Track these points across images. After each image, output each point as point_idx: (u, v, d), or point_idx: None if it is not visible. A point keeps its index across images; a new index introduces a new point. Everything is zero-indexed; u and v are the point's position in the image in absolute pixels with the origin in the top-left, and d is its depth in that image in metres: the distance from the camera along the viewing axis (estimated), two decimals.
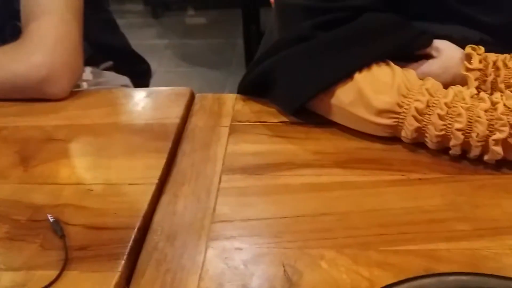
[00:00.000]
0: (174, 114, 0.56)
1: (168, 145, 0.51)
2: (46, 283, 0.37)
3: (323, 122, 0.54)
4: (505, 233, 0.41)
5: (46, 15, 0.61)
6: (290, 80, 0.53)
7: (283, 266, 0.38)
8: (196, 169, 0.49)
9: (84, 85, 0.81)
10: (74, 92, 0.62)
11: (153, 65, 1.02)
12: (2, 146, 0.53)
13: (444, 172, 0.47)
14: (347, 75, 0.50)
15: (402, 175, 0.47)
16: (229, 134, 0.54)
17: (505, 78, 0.52)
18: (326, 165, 0.49)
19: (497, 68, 0.52)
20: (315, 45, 0.52)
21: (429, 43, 0.54)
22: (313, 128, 0.54)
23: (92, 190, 0.46)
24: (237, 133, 0.55)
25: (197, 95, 0.62)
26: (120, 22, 0.97)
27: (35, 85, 0.59)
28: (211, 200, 0.45)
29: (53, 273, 0.38)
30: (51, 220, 0.42)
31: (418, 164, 0.48)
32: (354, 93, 0.49)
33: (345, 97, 0.50)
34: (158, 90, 0.63)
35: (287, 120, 0.56)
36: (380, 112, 0.48)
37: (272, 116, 0.57)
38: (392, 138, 0.51)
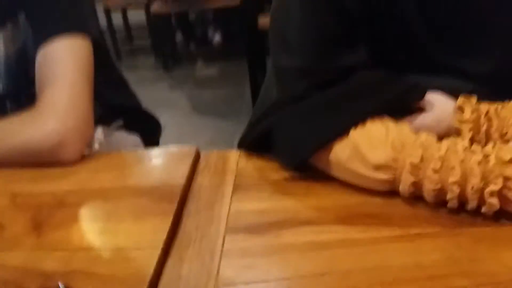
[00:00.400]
0: (180, 174, 0.59)
1: (173, 207, 0.53)
2: None
3: (323, 177, 0.55)
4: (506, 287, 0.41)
5: (59, 82, 0.65)
6: (289, 139, 0.56)
7: None
8: (200, 231, 0.51)
9: (96, 145, 0.84)
10: (85, 156, 0.65)
11: (165, 118, 1.06)
12: (16, 213, 0.56)
13: (443, 225, 0.48)
14: (343, 132, 0.52)
15: (402, 230, 0.48)
16: (233, 192, 0.56)
17: (497, 127, 0.53)
18: (326, 222, 0.50)
19: (489, 119, 0.54)
20: (311, 104, 0.55)
21: (422, 96, 0.56)
22: (314, 183, 0.56)
23: (100, 256, 0.48)
24: (241, 191, 0.56)
25: (203, 153, 0.65)
26: (132, 76, 1.03)
27: (48, 151, 0.62)
28: (215, 262, 0.46)
29: None
30: (61, 287, 0.43)
31: (417, 218, 0.49)
32: (350, 149, 0.51)
33: (342, 154, 0.52)
34: (165, 150, 0.66)
35: (288, 175, 0.57)
36: (377, 168, 0.50)
37: (274, 171, 0.59)
38: (391, 192, 0.52)
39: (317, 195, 0.54)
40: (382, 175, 0.50)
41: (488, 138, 0.54)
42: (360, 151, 0.51)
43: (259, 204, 0.54)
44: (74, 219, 0.54)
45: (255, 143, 0.61)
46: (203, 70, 2.62)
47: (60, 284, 0.44)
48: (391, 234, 0.48)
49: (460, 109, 0.54)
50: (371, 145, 0.51)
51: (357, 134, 0.51)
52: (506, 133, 0.53)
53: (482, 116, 0.54)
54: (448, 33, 0.58)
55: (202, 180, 0.60)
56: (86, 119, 0.66)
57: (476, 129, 0.54)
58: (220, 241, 0.49)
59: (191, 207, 0.55)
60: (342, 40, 0.57)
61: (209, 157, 0.64)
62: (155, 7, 2.72)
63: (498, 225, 0.47)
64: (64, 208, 0.56)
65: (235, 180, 0.59)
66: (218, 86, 2.37)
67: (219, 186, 0.58)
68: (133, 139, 0.92)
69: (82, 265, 0.47)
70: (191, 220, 0.53)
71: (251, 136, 0.61)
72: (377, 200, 0.52)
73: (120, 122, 0.94)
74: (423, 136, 0.50)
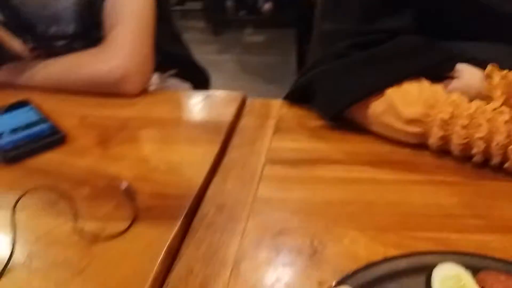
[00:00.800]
0: (227, 114, 0.65)
1: (221, 138, 0.60)
2: (120, 231, 0.46)
3: (357, 128, 0.60)
4: None
5: (125, 24, 0.73)
6: (328, 91, 0.61)
7: (311, 239, 0.45)
8: (243, 159, 0.58)
9: (152, 87, 0.92)
10: (144, 91, 0.73)
11: (212, 78, 1.13)
12: (86, 130, 0.65)
13: (466, 176, 0.52)
14: (379, 89, 0.56)
15: (426, 176, 0.53)
16: (274, 133, 0.62)
17: None
18: (356, 163, 0.55)
19: None
20: (351, 61, 0.59)
21: (454, 65, 0.58)
22: (348, 131, 0.61)
23: (157, 167, 0.55)
24: (281, 132, 0.62)
25: (248, 100, 0.71)
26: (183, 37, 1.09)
27: (113, 83, 0.70)
28: (254, 183, 0.53)
29: (125, 225, 0.47)
30: (125, 186, 0.52)
31: (442, 168, 0.54)
32: (385, 105, 0.56)
33: (377, 108, 0.57)
34: (215, 93, 0.73)
35: (325, 124, 0.63)
36: (409, 122, 0.54)
37: (312, 120, 0.64)
38: (420, 145, 0.56)
39: (350, 141, 0.59)
40: (414, 129, 0.55)
41: None
42: (395, 107, 0.55)
43: (296, 144, 0.60)
44: (135, 139, 0.62)
45: (297, 94, 0.66)
46: (251, 36, 2.67)
47: (124, 183, 0.52)
48: (416, 178, 0.52)
49: (489, 76, 0.57)
50: (405, 101, 0.55)
51: (393, 92, 0.56)
52: None
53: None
54: None
55: (247, 121, 0.66)
56: (147, 58, 0.74)
57: (508, 93, 0.56)
58: (259, 169, 0.56)
59: (236, 141, 0.62)
60: (389, 5, 0.61)
61: (254, 103, 0.70)
62: None
63: None
64: (127, 130, 0.64)
65: (276, 123, 0.64)
66: (265, 53, 2.41)
67: (261, 127, 0.64)
68: (185, 86, 0.99)
69: (141, 172, 0.55)
70: (235, 151, 0.59)
71: (295, 86, 0.66)
72: (406, 151, 0.57)
73: (174, 71, 1.02)
74: (455, 95, 0.54)
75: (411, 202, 0.49)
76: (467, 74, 0.58)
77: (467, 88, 0.57)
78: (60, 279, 0.43)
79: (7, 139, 0.61)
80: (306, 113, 0.66)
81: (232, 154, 0.59)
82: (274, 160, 0.57)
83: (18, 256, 0.44)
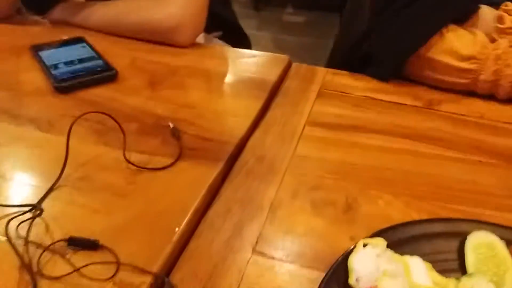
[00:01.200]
0: (273, 73, 0.67)
1: (265, 95, 0.62)
2: (164, 165, 0.48)
3: (400, 101, 0.61)
4: None
5: None
6: (391, 42, 0.64)
7: (346, 196, 0.47)
8: (284, 118, 0.59)
9: (200, 43, 0.94)
10: (194, 43, 0.74)
11: None
12: (136, 72, 0.67)
13: (505, 160, 0.52)
14: (438, 33, 0.61)
15: (465, 155, 0.53)
16: (317, 97, 0.63)
17: None
18: (396, 135, 0.56)
19: None
20: (409, 13, 0.62)
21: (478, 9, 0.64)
22: (392, 104, 0.61)
23: (203, 114, 0.57)
24: (324, 98, 0.63)
25: (294, 64, 0.72)
26: None
27: (166, 30, 0.72)
28: (294, 141, 0.55)
29: (170, 161, 0.49)
30: (171, 126, 0.54)
31: (481, 150, 0.54)
32: (444, 46, 0.61)
33: (437, 49, 0.61)
34: (262, 53, 0.74)
35: (369, 95, 0.63)
36: (465, 58, 0.59)
37: (357, 89, 0.65)
38: (461, 122, 0.57)
39: (393, 114, 0.60)
40: (469, 65, 0.60)
41: None
42: (453, 47, 0.60)
43: (338, 110, 0.61)
44: (182, 85, 0.64)
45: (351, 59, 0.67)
46: (292, 16, 2.65)
47: (170, 124, 0.54)
48: (454, 155, 0.53)
49: (500, 18, 0.62)
50: (462, 42, 0.61)
51: (451, 34, 0.61)
52: None
53: None
54: None
55: (291, 83, 0.67)
56: (201, 12, 0.75)
57: None
58: (300, 128, 0.57)
59: (279, 100, 0.63)
60: None
61: (299, 68, 0.71)
62: None
63: None
64: (175, 77, 0.66)
65: (319, 89, 0.65)
66: (303, 34, 2.39)
67: (305, 90, 0.65)
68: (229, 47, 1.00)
69: (187, 116, 0.57)
70: (278, 110, 0.61)
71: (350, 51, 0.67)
72: (448, 128, 0.57)
73: (219, 33, 1.03)
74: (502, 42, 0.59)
75: (447, 176, 0.50)
76: (483, 12, 0.64)
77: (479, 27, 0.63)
78: (105, 199, 0.45)
79: (61, 70, 0.63)
80: (349, 82, 0.66)
81: (274, 111, 0.60)
82: (314, 123, 0.58)
83: (68, 176, 0.47)
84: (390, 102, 0.62)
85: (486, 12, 0.64)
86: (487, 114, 0.60)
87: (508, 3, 0.63)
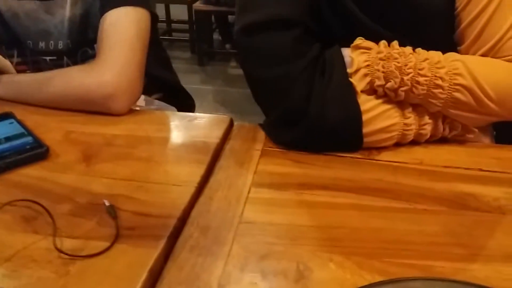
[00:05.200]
0: (215, 135, 0.65)
1: (207, 158, 0.60)
2: (100, 250, 0.44)
3: (341, 156, 0.61)
4: (498, 261, 0.45)
5: (119, 42, 0.73)
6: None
7: (297, 263, 0.45)
8: (229, 181, 0.57)
9: (138, 109, 0.92)
10: (132, 110, 0.72)
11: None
12: (69, 146, 0.63)
13: (449, 206, 0.53)
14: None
15: (409, 205, 0.53)
16: (260, 156, 0.62)
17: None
18: (341, 190, 0.56)
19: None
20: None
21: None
22: (332, 159, 0.61)
23: (142, 186, 0.54)
24: (267, 156, 0.63)
25: (236, 124, 0.71)
26: None
27: (101, 99, 0.70)
28: (240, 205, 0.53)
29: (106, 244, 0.45)
30: (107, 204, 0.50)
31: (425, 197, 0.54)
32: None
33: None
34: (203, 115, 0.73)
35: (310, 152, 0.63)
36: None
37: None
38: (401, 172, 0.58)
39: (334, 168, 0.60)
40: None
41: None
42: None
43: (282, 168, 0.60)
44: (120, 156, 0.61)
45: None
46: (235, 69, 2.71)
47: (106, 202, 0.51)
48: (399, 206, 0.53)
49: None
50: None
51: None
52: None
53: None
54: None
55: (234, 143, 0.66)
56: (137, 78, 0.74)
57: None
58: (246, 190, 0.55)
59: (223, 162, 0.61)
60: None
61: (241, 128, 0.71)
62: (198, 5, 2.83)
63: (500, 214, 0.52)
64: (112, 147, 0.63)
65: (262, 147, 0.65)
66: (247, 86, 2.45)
67: (248, 150, 0.64)
68: (171, 109, 0.99)
69: (125, 191, 0.54)
70: (222, 172, 0.59)
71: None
72: (389, 178, 0.58)
73: (160, 94, 1.02)
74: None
75: (394, 228, 0.50)
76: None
77: None
78: None
79: None
80: None
81: (218, 175, 0.58)
82: (260, 184, 0.57)
83: None
84: (331, 155, 0.62)
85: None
86: (425, 160, 0.61)
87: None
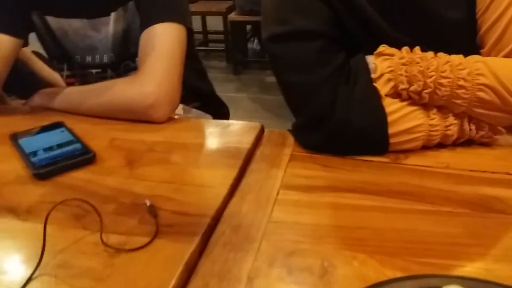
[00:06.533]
0: (247, 141, 0.69)
1: (240, 163, 0.64)
2: (141, 245, 0.49)
3: (369, 160, 0.63)
4: None
5: (158, 56, 0.79)
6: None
7: (322, 260, 0.47)
8: (260, 183, 0.61)
9: (176, 117, 0.98)
10: (171, 118, 0.78)
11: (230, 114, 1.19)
12: (114, 152, 0.69)
13: (473, 209, 0.54)
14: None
15: (434, 207, 0.55)
16: (289, 160, 0.66)
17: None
18: (366, 192, 0.58)
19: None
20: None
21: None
22: (361, 162, 0.64)
23: (180, 188, 0.59)
24: (296, 161, 0.66)
25: (266, 130, 0.75)
26: None
27: (143, 109, 0.75)
28: (269, 206, 0.56)
29: (147, 240, 0.50)
30: (148, 204, 0.55)
31: (449, 200, 0.56)
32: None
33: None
34: (236, 122, 0.77)
35: (336, 156, 0.66)
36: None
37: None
38: (427, 175, 0.59)
39: (362, 172, 0.62)
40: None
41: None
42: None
43: (309, 172, 0.63)
44: (160, 161, 0.66)
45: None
46: (269, 77, 2.76)
47: (147, 201, 0.55)
48: (423, 208, 0.55)
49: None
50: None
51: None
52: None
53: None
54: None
55: (264, 149, 0.70)
56: (176, 89, 0.79)
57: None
58: (275, 193, 0.59)
59: (253, 167, 0.65)
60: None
61: (272, 133, 0.74)
62: (232, 15, 2.91)
63: None
64: (152, 153, 0.68)
65: (291, 152, 0.68)
66: (280, 93, 2.49)
67: (278, 155, 0.68)
68: (207, 117, 1.04)
69: (164, 192, 0.58)
70: (253, 176, 0.63)
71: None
72: (415, 182, 0.59)
73: (197, 103, 1.07)
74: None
75: (417, 229, 0.51)
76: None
77: None
78: (83, 286, 0.46)
79: (40, 156, 0.65)
80: None
81: (249, 179, 0.62)
82: (288, 186, 0.60)
83: (46, 264, 0.47)
84: (358, 160, 0.64)
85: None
86: (452, 164, 0.62)
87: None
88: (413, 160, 0.64)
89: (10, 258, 0.50)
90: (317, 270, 0.46)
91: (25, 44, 0.92)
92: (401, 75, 0.61)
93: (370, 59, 0.64)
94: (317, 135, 0.66)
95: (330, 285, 0.45)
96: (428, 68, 0.60)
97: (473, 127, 0.63)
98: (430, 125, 0.62)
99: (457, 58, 0.61)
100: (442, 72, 0.60)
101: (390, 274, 0.45)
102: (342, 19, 0.66)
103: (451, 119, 0.63)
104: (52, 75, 1.08)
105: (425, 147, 0.65)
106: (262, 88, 2.64)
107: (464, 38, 0.63)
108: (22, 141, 0.70)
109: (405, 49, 0.63)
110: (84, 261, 0.48)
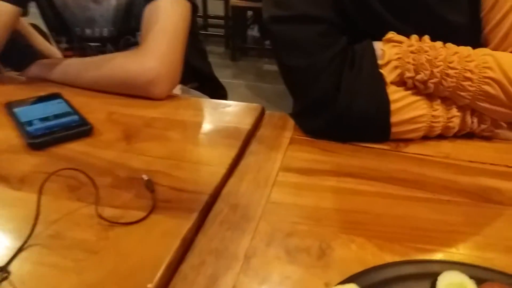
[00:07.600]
0: (247, 122, 0.68)
1: (239, 143, 0.63)
2: (137, 219, 0.48)
3: (369, 146, 0.63)
4: None
5: (161, 31, 0.77)
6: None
7: (320, 242, 0.47)
8: (259, 164, 0.60)
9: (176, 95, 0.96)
10: (170, 95, 0.76)
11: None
12: (111, 125, 0.68)
13: (472, 198, 0.54)
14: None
15: (433, 195, 0.55)
16: (289, 143, 0.65)
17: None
18: (367, 178, 0.58)
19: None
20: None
21: None
22: (361, 148, 0.63)
23: (178, 164, 0.58)
24: (296, 144, 0.65)
25: (267, 112, 0.74)
26: None
27: (143, 84, 0.74)
28: (268, 187, 0.55)
29: (143, 214, 0.49)
30: (145, 178, 0.54)
31: (449, 189, 0.55)
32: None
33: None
34: (236, 103, 0.76)
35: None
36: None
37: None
38: (428, 163, 0.59)
39: (362, 158, 0.62)
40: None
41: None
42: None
43: (309, 155, 0.63)
44: (158, 137, 0.65)
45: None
46: (267, 65, 2.74)
47: (144, 176, 0.54)
48: (423, 196, 0.54)
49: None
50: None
51: None
52: None
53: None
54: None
55: (264, 131, 0.69)
56: (177, 65, 0.78)
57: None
58: (274, 174, 0.58)
59: (253, 147, 0.64)
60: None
61: (272, 116, 0.73)
62: (234, 1, 2.87)
63: None
64: (150, 128, 0.67)
65: (291, 135, 0.67)
66: (279, 82, 2.48)
67: (278, 137, 0.67)
68: (205, 98, 1.03)
69: (161, 168, 0.57)
70: (252, 157, 0.62)
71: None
72: (415, 170, 0.59)
73: (195, 84, 1.06)
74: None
75: (417, 216, 0.51)
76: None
77: None
78: (76, 257, 0.45)
79: (36, 126, 0.64)
80: None
81: (248, 159, 0.61)
82: (288, 168, 0.59)
83: (38, 235, 0.46)
84: (358, 146, 0.64)
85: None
86: (452, 154, 0.62)
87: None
88: (413, 149, 0.63)
89: (1, 228, 0.49)
90: (315, 252, 0.46)
91: (25, 13, 0.89)
92: (409, 63, 0.60)
93: (378, 45, 0.63)
94: (318, 120, 0.65)
95: (328, 267, 0.44)
96: (436, 58, 0.59)
97: (475, 120, 0.63)
98: (433, 116, 0.62)
99: (465, 50, 0.60)
100: (450, 62, 0.59)
101: (389, 258, 0.45)
102: (343, 6, 0.65)
103: (454, 111, 0.62)
104: (50, 49, 1.06)
105: (426, 137, 0.65)
106: (259, 76, 2.62)
107: (467, 41, 0.62)
108: (18, 111, 0.68)
109: (414, 37, 0.62)
110: (78, 233, 0.48)
